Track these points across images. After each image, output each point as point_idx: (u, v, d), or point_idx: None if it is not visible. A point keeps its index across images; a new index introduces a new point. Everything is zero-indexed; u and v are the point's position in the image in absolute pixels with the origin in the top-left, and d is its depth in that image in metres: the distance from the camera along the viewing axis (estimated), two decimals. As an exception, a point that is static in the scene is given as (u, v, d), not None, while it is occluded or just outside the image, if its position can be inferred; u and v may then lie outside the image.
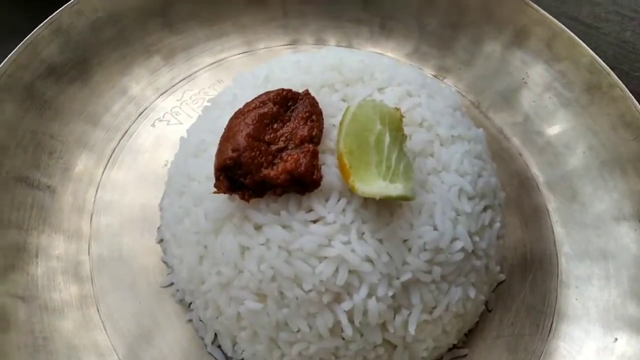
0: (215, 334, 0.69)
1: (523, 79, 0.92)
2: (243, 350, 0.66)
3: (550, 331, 0.74)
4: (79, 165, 0.80)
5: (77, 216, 0.76)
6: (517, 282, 0.77)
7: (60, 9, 0.81)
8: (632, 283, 0.74)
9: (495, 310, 0.75)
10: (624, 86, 0.83)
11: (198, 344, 0.69)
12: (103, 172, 0.80)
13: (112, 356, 0.67)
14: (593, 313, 0.74)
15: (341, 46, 0.97)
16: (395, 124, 0.60)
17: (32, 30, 0.78)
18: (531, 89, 0.91)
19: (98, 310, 0.70)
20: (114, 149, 0.82)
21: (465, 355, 0.71)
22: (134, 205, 0.78)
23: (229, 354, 0.68)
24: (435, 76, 0.95)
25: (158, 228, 0.76)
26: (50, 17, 0.80)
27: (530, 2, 0.91)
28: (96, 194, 0.78)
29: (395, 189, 0.55)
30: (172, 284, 0.72)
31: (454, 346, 0.71)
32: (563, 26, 0.89)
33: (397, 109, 0.61)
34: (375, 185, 0.56)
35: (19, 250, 0.70)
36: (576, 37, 0.88)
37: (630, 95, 0.83)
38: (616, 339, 0.71)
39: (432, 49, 0.97)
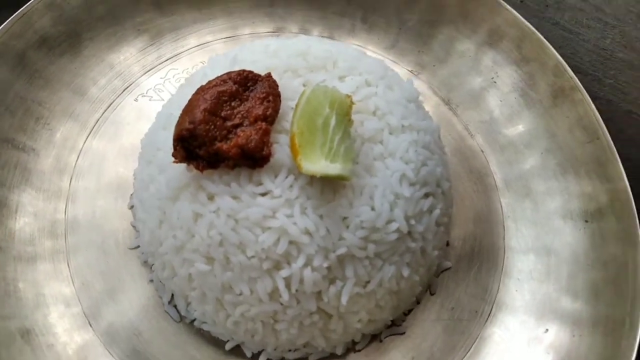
0: (172, 295, 0.74)
1: (493, 78, 0.95)
2: (195, 310, 0.72)
3: (487, 318, 0.78)
4: (63, 132, 0.85)
5: (57, 178, 0.82)
6: (462, 271, 0.82)
7: (55, -17, 0.86)
8: (569, 279, 0.78)
9: (438, 295, 0.80)
10: (584, 90, 0.87)
11: (157, 302, 0.75)
12: (85, 140, 0.86)
13: (77, 307, 0.73)
14: (530, 305, 0.78)
15: (324, 36, 1.01)
16: (343, 110, 0.64)
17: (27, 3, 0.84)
18: (499, 88, 0.95)
19: (68, 265, 0.76)
20: (98, 120, 0.88)
21: (403, 333, 0.76)
22: (111, 173, 0.84)
23: (183, 313, 0.74)
24: (410, 71, 0.99)
25: (131, 195, 0.82)
26: (45, -9, 0.86)
27: (505, 4, 0.94)
28: (77, 159, 0.84)
29: (334, 168, 0.60)
30: (138, 246, 0.78)
31: (393, 324, 0.76)
32: (533, 28, 0.92)
33: (348, 96, 0.66)
34: (318, 164, 0.61)
35: (0, 205, 0.76)
36: (544, 40, 0.91)
37: (589, 99, 0.86)
38: (547, 330, 0.75)
39: (410, 45, 1.00)
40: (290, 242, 0.63)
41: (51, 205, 0.80)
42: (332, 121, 0.63)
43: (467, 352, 0.75)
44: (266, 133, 0.63)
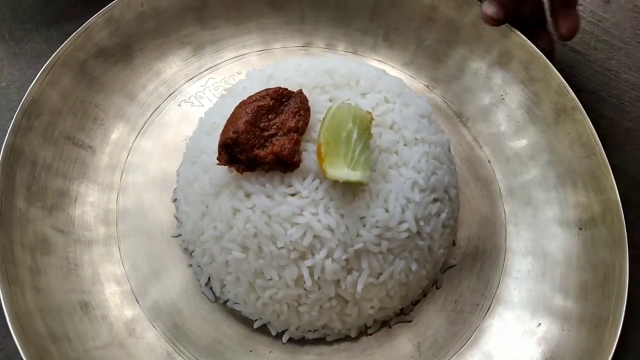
0: (209, 278, 0.85)
1: (501, 95, 1.04)
2: (229, 292, 0.82)
3: (487, 311, 0.87)
4: (115, 132, 0.96)
5: (110, 173, 0.93)
6: (466, 269, 0.91)
7: (114, 1, 0.97)
8: (562, 280, 0.87)
9: (443, 289, 0.89)
10: (583, 110, 0.95)
11: (195, 284, 0.86)
12: (134, 140, 0.97)
13: (126, 285, 0.84)
14: (526, 301, 0.87)
15: (348, 52, 1.11)
16: (364, 125, 0.74)
17: (88, 19, 0.95)
18: (507, 105, 1.03)
19: (119, 249, 0.87)
20: (145, 122, 0.99)
21: (410, 321, 0.86)
22: (156, 169, 0.94)
23: (218, 295, 0.84)
24: (426, 86, 1.08)
25: (174, 189, 0.93)
26: (105, 8, 0.97)
27: (514, 29, 1.03)
28: (127, 156, 0.95)
29: (354, 175, 0.70)
30: (180, 235, 0.89)
31: (402, 312, 0.86)
32: (539, 52, 1.01)
33: (369, 113, 0.76)
34: (340, 171, 0.71)
35: (63, 195, 0.88)
36: (549, 63, 1.00)
37: (588, 118, 0.95)
38: (540, 324, 0.84)
39: (427, 61, 1.09)
40: (315, 236, 0.73)
41: (105, 196, 0.91)
42: (354, 135, 0.72)
43: (467, 341, 0.85)
44: (297, 142, 0.73)
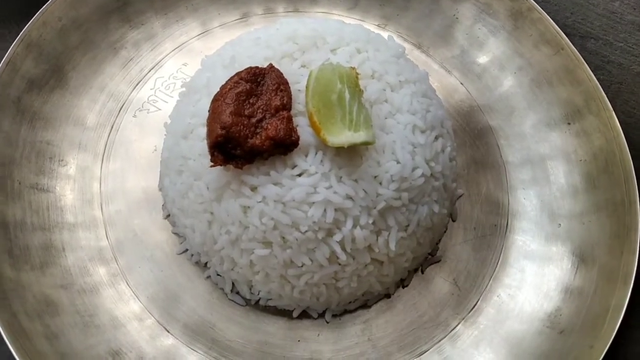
0: (233, 284, 0.81)
1: (454, 15, 1.02)
2: (259, 291, 0.79)
3: (506, 229, 0.88)
4: (78, 164, 0.88)
5: (89, 208, 0.85)
6: (474, 194, 0.91)
7: (28, 24, 0.87)
8: (566, 177, 0.89)
9: (459, 220, 0.89)
10: (540, 8, 0.95)
11: (219, 295, 0.81)
12: (101, 167, 0.89)
13: (149, 319, 0.79)
14: (539, 207, 0.89)
15: (289, 12, 1.05)
16: (352, 82, 0.70)
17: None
18: (462, 23, 1.02)
19: (128, 284, 0.81)
20: (106, 144, 0.90)
21: (439, 261, 0.86)
22: (135, 190, 0.87)
23: (247, 297, 0.80)
24: (378, 25, 1.05)
25: (162, 206, 0.86)
26: (21, 33, 0.86)
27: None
28: (100, 186, 0.87)
29: (359, 136, 0.67)
30: (186, 250, 0.83)
31: (430, 255, 0.85)
32: (479, -38, 0.99)
33: (353, 68, 0.72)
34: (342, 135, 0.67)
35: (48, 248, 0.80)
36: (493, -30, 0.98)
37: (547, 15, 0.95)
38: (560, 224, 0.86)
39: (371, 0, 1.06)
40: (336, 210, 0.70)
41: (92, 235, 0.83)
42: (346, 94, 0.69)
43: (498, 262, 0.86)
44: (289, 120, 0.69)
